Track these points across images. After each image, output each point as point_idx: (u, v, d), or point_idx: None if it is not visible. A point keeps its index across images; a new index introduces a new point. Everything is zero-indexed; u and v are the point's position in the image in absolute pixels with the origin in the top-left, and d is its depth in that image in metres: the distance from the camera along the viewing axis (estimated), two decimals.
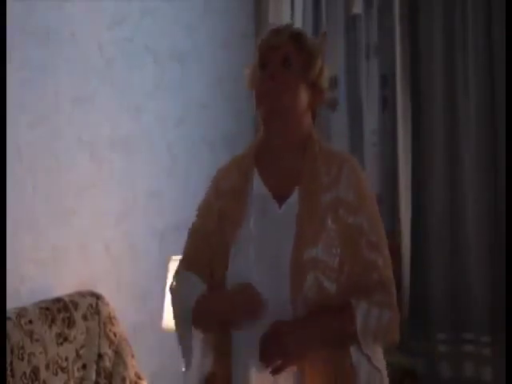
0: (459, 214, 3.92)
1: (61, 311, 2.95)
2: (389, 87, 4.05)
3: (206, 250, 2.11)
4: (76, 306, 3.01)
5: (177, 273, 2.22)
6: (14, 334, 2.73)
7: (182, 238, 3.86)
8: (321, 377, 1.95)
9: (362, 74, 4.12)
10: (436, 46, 3.95)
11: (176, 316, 2.11)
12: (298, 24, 4.19)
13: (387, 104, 4.07)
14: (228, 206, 2.07)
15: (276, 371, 1.91)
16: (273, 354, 1.90)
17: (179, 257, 3.44)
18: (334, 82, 4.17)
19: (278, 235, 2.00)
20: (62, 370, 2.88)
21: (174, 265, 3.41)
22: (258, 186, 2.08)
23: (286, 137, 2.08)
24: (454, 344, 3.90)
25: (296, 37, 2.08)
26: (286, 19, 4.22)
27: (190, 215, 3.92)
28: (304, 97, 2.06)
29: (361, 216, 2.01)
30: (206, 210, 2.17)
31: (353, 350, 1.98)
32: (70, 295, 3.07)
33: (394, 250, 3.70)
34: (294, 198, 2.03)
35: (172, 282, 2.20)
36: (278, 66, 2.04)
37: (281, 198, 2.05)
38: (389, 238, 2.12)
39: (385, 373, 2.05)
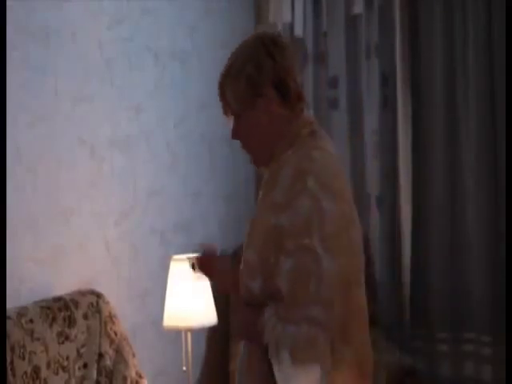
0: (459, 214, 3.92)
1: (61, 310, 2.95)
2: (389, 87, 4.05)
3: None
4: (76, 304, 3.01)
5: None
6: (14, 333, 2.72)
7: (182, 238, 3.90)
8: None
9: (362, 74, 4.12)
10: (436, 45, 3.96)
11: None
12: (298, 24, 4.20)
13: (387, 103, 4.07)
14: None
15: None
16: None
17: (179, 256, 3.47)
18: (334, 82, 4.19)
19: None
20: (63, 368, 2.88)
21: (174, 264, 3.41)
22: None
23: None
24: (455, 343, 3.90)
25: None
26: (286, 19, 4.23)
27: (190, 215, 3.98)
28: (266, 117, 1.96)
29: (283, 217, 1.82)
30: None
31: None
32: (70, 294, 3.07)
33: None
34: None
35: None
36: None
37: None
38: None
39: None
